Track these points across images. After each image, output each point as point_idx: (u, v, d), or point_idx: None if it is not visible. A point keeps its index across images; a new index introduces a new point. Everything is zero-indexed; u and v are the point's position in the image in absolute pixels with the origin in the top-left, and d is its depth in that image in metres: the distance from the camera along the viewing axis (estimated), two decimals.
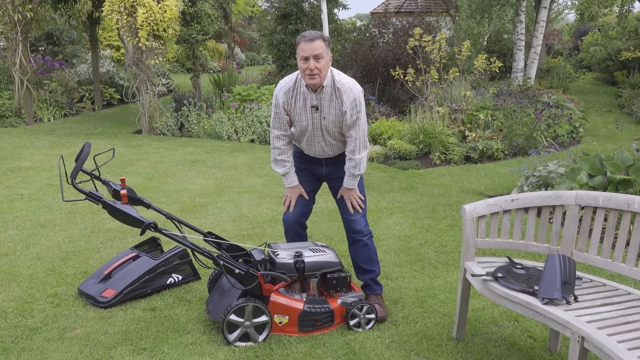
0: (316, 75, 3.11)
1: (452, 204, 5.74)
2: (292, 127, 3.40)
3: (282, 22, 14.21)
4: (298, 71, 3.25)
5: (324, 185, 3.64)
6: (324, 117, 3.27)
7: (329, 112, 3.25)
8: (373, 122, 8.71)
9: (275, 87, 3.75)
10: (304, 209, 3.52)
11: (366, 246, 3.47)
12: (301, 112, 3.29)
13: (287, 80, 3.31)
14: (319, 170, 3.51)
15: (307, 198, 3.48)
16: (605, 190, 4.84)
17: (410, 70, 8.78)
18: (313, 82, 3.14)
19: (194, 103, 9.78)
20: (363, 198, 3.47)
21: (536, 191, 4.79)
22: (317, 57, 3.07)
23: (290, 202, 3.46)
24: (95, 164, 3.22)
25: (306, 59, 3.08)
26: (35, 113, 10.98)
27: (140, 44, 9.01)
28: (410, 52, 9.18)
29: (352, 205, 3.42)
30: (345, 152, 3.35)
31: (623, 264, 2.76)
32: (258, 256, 3.24)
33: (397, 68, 9.09)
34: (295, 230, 3.54)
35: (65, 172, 3.06)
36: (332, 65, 3.26)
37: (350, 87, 3.21)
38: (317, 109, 3.25)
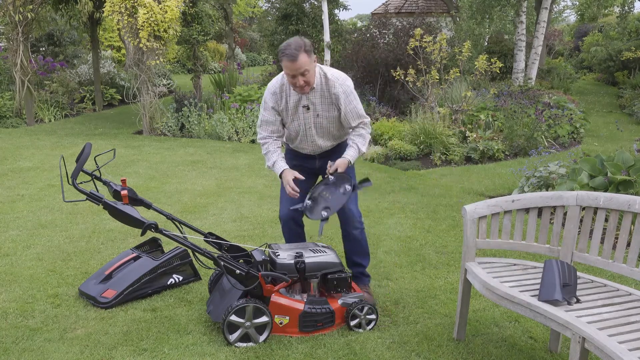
0: (305, 87, 3.12)
1: (453, 204, 5.74)
2: (285, 128, 3.40)
3: (282, 22, 14.23)
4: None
5: None
6: (318, 115, 3.27)
7: (321, 108, 3.26)
8: (374, 123, 8.71)
9: None
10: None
11: (357, 240, 3.51)
12: (292, 113, 3.29)
13: (274, 82, 3.29)
14: (313, 164, 3.50)
15: (302, 177, 3.27)
16: (606, 190, 4.84)
17: (411, 71, 8.79)
18: (303, 92, 3.17)
19: (194, 104, 9.79)
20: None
21: (537, 192, 4.78)
22: (303, 74, 3.05)
23: (291, 188, 3.19)
24: (96, 164, 3.22)
25: (293, 76, 3.06)
26: (36, 114, 10.99)
27: (141, 45, 9.01)
28: (411, 52, 9.18)
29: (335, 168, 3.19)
30: (352, 130, 3.34)
31: (624, 265, 2.76)
32: (259, 257, 3.24)
33: (398, 69, 9.09)
34: (291, 227, 3.53)
35: (66, 172, 3.06)
36: (333, 67, 3.26)
37: (341, 80, 3.22)
38: (308, 108, 3.26)
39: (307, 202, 3.20)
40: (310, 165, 3.50)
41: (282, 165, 3.30)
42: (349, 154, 3.29)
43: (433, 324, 3.33)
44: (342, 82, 3.23)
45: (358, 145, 3.31)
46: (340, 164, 3.22)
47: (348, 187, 3.19)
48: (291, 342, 3.09)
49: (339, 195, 3.18)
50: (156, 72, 10.52)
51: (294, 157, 3.51)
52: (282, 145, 3.50)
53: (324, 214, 3.12)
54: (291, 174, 3.26)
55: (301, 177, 3.27)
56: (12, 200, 5.77)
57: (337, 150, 3.46)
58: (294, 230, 3.56)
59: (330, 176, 3.20)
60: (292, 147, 3.52)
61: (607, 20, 24.20)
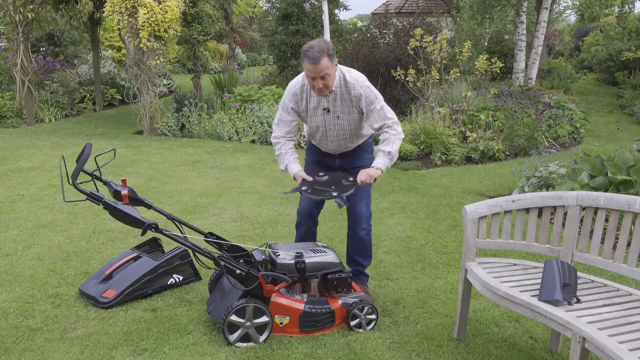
0: (323, 90, 3.13)
1: (453, 204, 5.74)
2: (305, 126, 3.43)
3: (283, 22, 14.21)
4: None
5: None
6: (338, 117, 3.28)
7: (342, 111, 3.26)
8: None
9: (277, 87, 3.76)
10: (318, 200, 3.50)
11: (362, 241, 3.50)
12: (312, 114, 3.31)
13: (294, 83, 3.31)
14: (332, 162, 3.52)
15: (310, 179, 3.30)
16: (606, 190, 4.84)
17: (411, 71, 8.78)
18: (321, 95, 3.19)
19: (195, 104, 9.79)
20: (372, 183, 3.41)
21: (537, 192, 4.78)
22: (323, 77, 3.06)
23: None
24: (97, 164, 3.22)
25: (313, 78, 3.07)
26: (37, 114, 10.99)
27: (141, 45, 9.01)
28: (411, 52, 9.18)
29: (362, 180, 3.16)
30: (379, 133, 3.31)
31: (624, 265, 2.76)
32: (259, 257, 3.24)
33: (398, 69, 9.09)
34: (308, 224, 3.55)
35: (67, 172, 3.06)
36: None
37: (361, 81, 3.21)
38: (328, 111, 3.27)
39: (305, 188, 3.21)
40: (329, 162, 3.54)
41: (293, 167, 3.32)
42: (379, 163, 3.21)
43: (433, 324, 3.33)
44: (362, 83, 3.22)
45: (385, 150, 3.22)
46: (372, 174, 3.18)
47: (351, 178, 3.22)
48: (291, 342, 3.09)
49: (344, 184, 3.22)
50: (156, 72, 10.51)
51: (315, 153, 3.54)
52: (296, 146, 3.53)
53: (334, 193, 3.12)
54: (302, 177, 3.28)
55: (309, 178, 3.28)
56: (13, 200, 5.77)
57: (358, 150, 3.47)
58: (309, 229, 3.57)
59: (321, 176, 3.28)
60: (314, 143, 3.54)
61: (607, 20, 24.20)
